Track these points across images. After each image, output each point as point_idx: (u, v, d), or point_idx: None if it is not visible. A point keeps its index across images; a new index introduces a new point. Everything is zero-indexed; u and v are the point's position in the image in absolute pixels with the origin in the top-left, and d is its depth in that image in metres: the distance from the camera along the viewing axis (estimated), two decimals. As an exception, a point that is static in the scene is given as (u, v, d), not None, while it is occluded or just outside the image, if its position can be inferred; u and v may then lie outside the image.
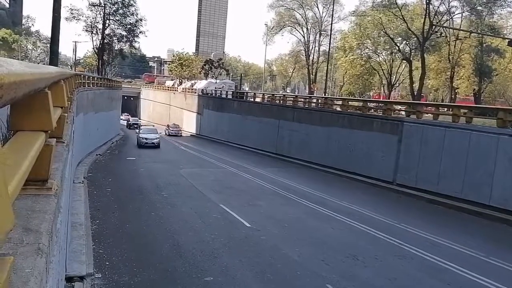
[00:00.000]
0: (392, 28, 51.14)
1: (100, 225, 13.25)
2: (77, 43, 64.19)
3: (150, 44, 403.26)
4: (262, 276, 10.01)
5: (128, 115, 72.76)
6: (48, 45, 37.68)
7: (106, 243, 11.61)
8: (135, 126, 57.06)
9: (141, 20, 49.75)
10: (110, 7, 47.92)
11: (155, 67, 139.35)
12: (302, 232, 13.72)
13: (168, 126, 51.22)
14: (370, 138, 23.59)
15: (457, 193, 18.05)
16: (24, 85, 1.60)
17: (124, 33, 49.46)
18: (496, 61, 49.86)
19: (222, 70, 74.22)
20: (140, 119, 75.47)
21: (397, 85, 63.30)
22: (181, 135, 48.96)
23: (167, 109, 65.07)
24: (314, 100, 35.63)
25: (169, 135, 48.40)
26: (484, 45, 47.98)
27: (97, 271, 9.60)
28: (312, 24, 66.00)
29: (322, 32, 65.00)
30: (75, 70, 41.51)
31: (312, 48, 66.88)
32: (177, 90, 64.10)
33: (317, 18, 65.52)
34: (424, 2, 46.00)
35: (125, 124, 61.53)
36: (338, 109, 29.20)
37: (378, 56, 57.03)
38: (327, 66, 48.13)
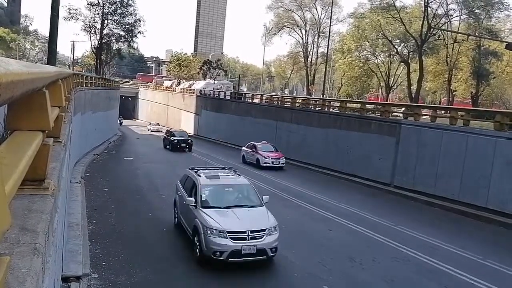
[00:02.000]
0: (390, 30, 51.28)
1: (97, 225, 13.21)
2: (75, 42, 64.18)
3: (148, 45, 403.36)
4: (259, 277, 9.99)
5: (158, 125, 56.68)
6: (46, 44, 37.61)
7: (102, 243, 11.57)
8: (184, 147, 33.52)
9: (139, 20, 49.82)
10: (108, 7, 47.94)
11: (153, 67, 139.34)
12: (300, 233, 13.71)
13: (254, 148, 27.52)
14: (367, 140, 23.62)
15: (454, 196, 18.09)
16: (22, 85, 1.59)
17: (122, 33, 49.50)
18: (493, 64, 50.03)
19: (221, 71, 74.22)
20: (138, 119, 75.09)
21: (395, 87, 63.45)
22: (282, 167, 26.44)
23: (165, 110, 65.01)
24: (312, 102, 35.65)
25: (261, 167, 25.87)
26: (482, 48, 48.16)
27: (93, 271, 9.57)
28: (310, 26, 66.16)
29: (320, 33, 65.18)
30: (73, 70, 41.46)
31: (311, 49, 67.07)
32: (175, 91, 64.06)
33: (315, 19, 65.68)
34: (423, 5, 46.15)
35: (162, 142, 36.89)
36: (336, 110, 29.25)
37: (376, 58, 57.16)
38: (325, 67, 48.22)
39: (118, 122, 58.65)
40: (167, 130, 39.88)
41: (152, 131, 54.91)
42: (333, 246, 12.49)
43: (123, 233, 12.80)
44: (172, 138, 34.18)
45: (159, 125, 57.61)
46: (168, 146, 34.57)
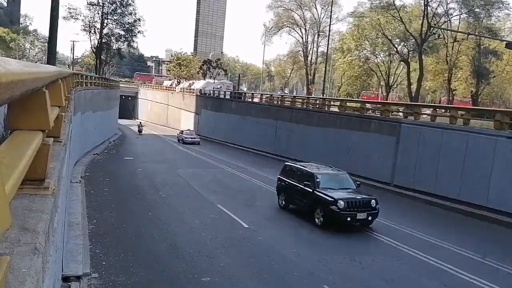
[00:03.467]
0: (390, 29, 51.21)
1: (97, 224, 13.22)
2: (75, 42, 64.06)
3: (148, 44, 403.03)
4: (259, 276, 10.00)
5: (194, 134, 41.91)
6: (46, 44, 37.59)
7: (103, 243, 11.58)
8: (364, 220, 13.75)
9: (139, 19, 49.80)
10: (108, 6, 47.92)
11: (153, 67, 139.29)
12: (299, 233, 13.71)
13: None
14: (367, 139, 23.61)
15: (454, 195, 18.08)
16: (22, 85, 1.59)
17: (122, 32, 49.49)
18: (493, 63, 50.00)
19: (220, 70, 74.24)
20: (138, 118, 75.07)
21: (395, 86, 63.40)
22: None
23: (165, 109, 64.99)
24: (312, 101, 35.64)
25: None
26: (482, 47, 48.12)
27: (93, 271, 9.57)
28: (310, 25, 66.12)
29: (320, 33, 65.12)
30: (73, 70, 41.47)
31: (310, 49, 67.04)
32: (175, 90, 64.04)
33: (315, 19, 65.65)
34: (422, 4, 46.13)
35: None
36: (336, 110, 29.24)
37: (376, 57, 57.08)
38: (325, 67, 48.18)
39: (137, 130, 48.42)
40: (292, 167, 16.67)
41: (185, 142, 39.56)
42: (333, 245, 12.49)
43: (123, 232, 12.81)
44: (327, 197, 13.94)
45: (195, 134, 42.27)
46: (305, 206, 15.09)
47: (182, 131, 42.55)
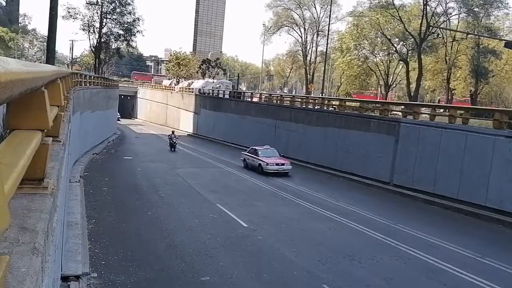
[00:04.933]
0: (389, 29, 51.28)
1: (96, 224, 13.21)
2: (74, 41, 64.03)
3: (147, 43, 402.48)
4: (258, 276, 10.01)
5: (274, 153, 24.91)
6: (45, 43, 37.54)
7: (102, 243, 11.58)
8: None
9: (138, 19, 49.82)
10: (107, 6, 47.93)
11: (152, 66, 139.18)
12: (299, 232, 13.72)
13: None
14: (367, 139, 23.62)
15: (454, 194, 18.10)
16: (21, 84, 1.59)
17: (121, 32, 49.50)
18: (492, 63, 50.07)
19: (220, 70, 74.11)
20: (137, 118, 75.06)
21: (394, 85, 63.46)
22: None
23: (164, 109, 64.91)
24: (311, 101, 35.62)
25: None
26: (481, 46, 48.19)
27: (93, 270, 9.57)
28: (309, 24, 66.08)
29: (319, 32, 65.11)
30: (72, 69, 41.39)
31: (310, 48, 66.99)
32: (174, 90, 63.96)
33: (314, 18, 65.61)
34: (421, 3, 46.17)
35: None
36: (335, 109, 29.24)
37: (375, 57, 57.15)
38: (325, 66, 48.16)
39: (168, 144, 33.10)
40: None
41: (267, 171, 23.29)
42: (332, 245, 12.50)
43: (122, 232, 12.81)
44: None
45: (283, 157, 25.11)
46: None
47: (255, 149, 25.30)
